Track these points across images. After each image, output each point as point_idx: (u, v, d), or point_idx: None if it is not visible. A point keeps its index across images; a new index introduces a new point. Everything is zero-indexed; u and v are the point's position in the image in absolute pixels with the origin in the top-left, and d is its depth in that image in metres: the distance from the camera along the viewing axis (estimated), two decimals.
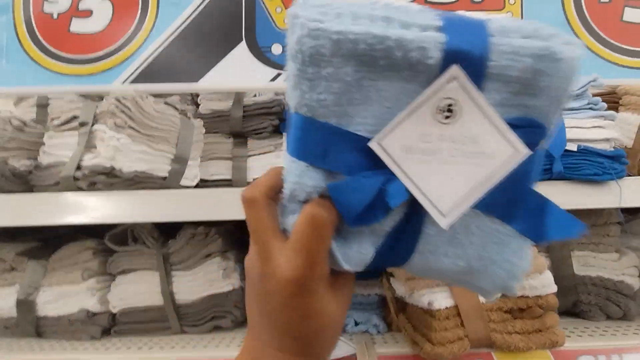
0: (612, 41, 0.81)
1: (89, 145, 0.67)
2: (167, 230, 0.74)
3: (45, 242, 0.79)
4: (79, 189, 0.66)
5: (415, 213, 0.28)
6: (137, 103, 0.68)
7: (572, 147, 0.60)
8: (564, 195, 0.59)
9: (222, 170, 0.87)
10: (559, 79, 0.25)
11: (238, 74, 0.83)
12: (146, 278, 0.71)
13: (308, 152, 0.27)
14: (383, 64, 0.25)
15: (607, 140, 0.61)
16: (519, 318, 0.58)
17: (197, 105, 0.92)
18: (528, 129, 0.26)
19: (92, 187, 0.66)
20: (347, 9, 0.25)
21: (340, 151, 0.27)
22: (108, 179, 0.65)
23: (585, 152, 0.60)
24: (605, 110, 0.63)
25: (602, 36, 0.81)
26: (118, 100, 0.66)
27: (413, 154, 0.26)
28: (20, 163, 0.70)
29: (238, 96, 0.88)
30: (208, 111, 0.89)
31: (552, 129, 0.27)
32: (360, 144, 0.27)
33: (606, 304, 0.68)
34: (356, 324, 0.69)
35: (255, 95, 0.89)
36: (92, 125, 0.68)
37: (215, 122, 0.88)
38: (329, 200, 0.27)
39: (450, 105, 0.26)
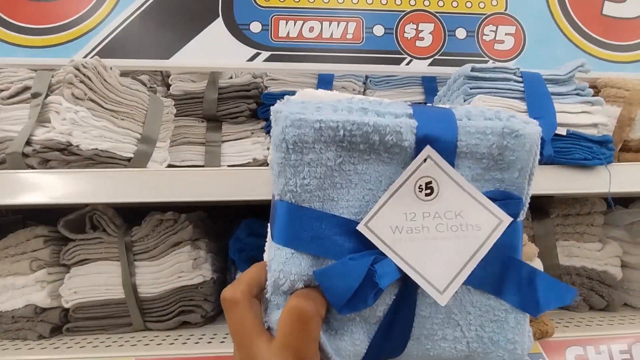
0: (593, 34, 0.82)
1: (42, 119, 0.60)
2: (131, 217, 0.67)
3: None
4: (29, 167, 0.58)
5: (407, 294, 0.28)
6: (99, 73, 0.61)
7: (562, 131, 0.58)
8: (553, 180, 0.58)
9: (193, 156, 0.81)
10: (523, 153, 0.28)
11: (213, 52, 0.78)
12: (105, 269, 0.64)
13: (293, 238, 0.27)
14: (362, 149, 0.27)
15: (594, 125, 0.60)
16: None
17: (168, 86, 0.86)
18: (505, 201, 0.28)
19: (45, 165, 0.58)
20: (326, 104, 0.28)
21: (325, 235, 0.27)
22: (63, 157, 0.58)
23: (574, 137, 0.59)
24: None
25: (584, 29, 0.82)
26: (77, 69, 0.59)
27: (401, 233, 0.27)
28: None
29: (213, 76, 0.82)
30: (180, 92, 0.83)
31: (526, 201, 0.29)
32: (345, 227, 0.27)
33: (590, 295, 0.67)
34: None
35: (231, 77, 0.83)
36: (47, 96, 0.60)
37: (187, 104, 0.82)
38: (315, 290, 0.26)
39: (428, 183, 0.27)
